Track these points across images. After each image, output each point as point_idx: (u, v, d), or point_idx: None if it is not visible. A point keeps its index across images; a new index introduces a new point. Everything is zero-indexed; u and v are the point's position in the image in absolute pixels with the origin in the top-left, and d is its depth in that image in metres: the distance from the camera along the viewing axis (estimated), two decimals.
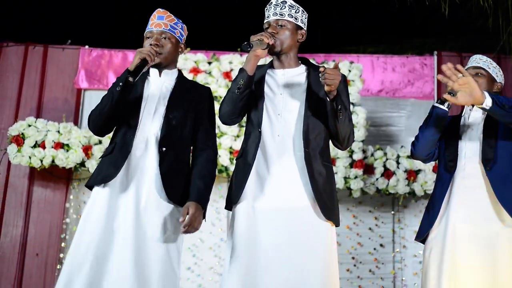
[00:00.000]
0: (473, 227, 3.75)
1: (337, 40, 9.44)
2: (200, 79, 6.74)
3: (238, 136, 6.56)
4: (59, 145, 6.52)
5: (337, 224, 3.62)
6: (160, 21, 3.86)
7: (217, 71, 6.81)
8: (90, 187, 3.75)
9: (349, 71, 6.79)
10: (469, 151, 3.90)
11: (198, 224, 3.63)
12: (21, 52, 7.27)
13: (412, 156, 4.12)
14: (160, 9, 3.91)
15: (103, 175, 3.69)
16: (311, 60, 6.69)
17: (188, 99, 3.89)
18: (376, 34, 9.82)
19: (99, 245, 3.54)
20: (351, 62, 6.91)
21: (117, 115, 3.73)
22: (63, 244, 6.79)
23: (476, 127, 3.95)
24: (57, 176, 6.87)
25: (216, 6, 10.18)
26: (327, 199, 3.58)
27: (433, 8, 6.19)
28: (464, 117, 4.05)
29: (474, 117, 4.00)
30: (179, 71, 4.00)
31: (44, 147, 6.55)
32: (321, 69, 3.41)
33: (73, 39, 7.40)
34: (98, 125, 3.79)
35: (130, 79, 3.57)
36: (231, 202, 3.63)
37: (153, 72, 3.89)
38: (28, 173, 6.89)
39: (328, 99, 3.50)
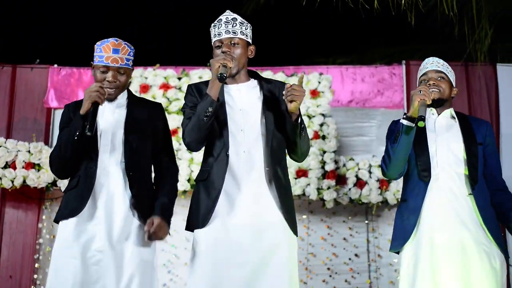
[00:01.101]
0: (448, 237, 3.76)
1: (306, 52, 9.50)
2: (171, 94, 6.74)
3: None
4: (30, 165, 6.48)
5: (297, 235, 3.65)
6: (116, 56, 3.76)
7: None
8: (58, 222, 3.76)
9: (319, 82, 6.82)
10: (440, 159, 3.87)
11: (163, 235, 3.70)
12: None
13: (384, 175, 4.02)
14: (114, 41, 3.79)
15: (70, 209, 3.69)
16: (280, 73, 6.77)
17: (143, 118, 3.87)
18: (344, 45, 9.90)
19: (76, 280, 3.57)
20: (321, 74, 6.94)
21: (79, 155, 3.71)
22: (36, 265, 6.73)
23: (444, 135, 3.92)
24: (29, 197, 6.81)
25: (185, 22, 10.21)
26: (292, 213, 3.63)
27: (400, 18, 6.24)
28: (428, 122, 3.97)
29: (441, 123, 3.97)
30: (127, 90, 3.97)
31: (14, 168, 6.50)
32: (287, 86, 3.42)
33: (42, 58, 7.36)
34: (63, 172, 3.84)
35: (88, 133, 3.49)
36: (196, 225, 3.58)
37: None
38: None
39: (288, 117, 3.51)
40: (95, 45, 3.83)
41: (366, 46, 9.83)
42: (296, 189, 6.38)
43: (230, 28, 3.63)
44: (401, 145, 3.78)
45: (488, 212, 3.83)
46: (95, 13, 9.99)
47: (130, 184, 3.71)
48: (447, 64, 4.04)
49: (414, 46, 8.86)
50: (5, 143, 6.58)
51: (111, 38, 3.81)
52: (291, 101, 3.40)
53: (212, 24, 3.70)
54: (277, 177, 3.58)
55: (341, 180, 6.55)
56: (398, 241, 3.94)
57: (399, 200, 4.13)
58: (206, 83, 3.65)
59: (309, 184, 6.46)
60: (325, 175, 6.51)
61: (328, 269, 6.80)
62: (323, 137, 6.61)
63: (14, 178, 6.47)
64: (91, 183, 3.67)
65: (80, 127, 3.54)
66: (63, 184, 6.39)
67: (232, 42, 3.63)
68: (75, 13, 9.93)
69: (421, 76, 4.03)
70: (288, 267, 3.49)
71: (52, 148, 3.90)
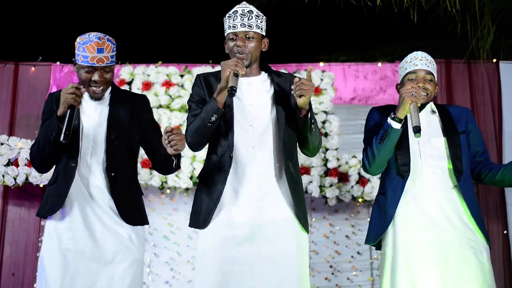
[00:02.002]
0: (427, 235, 3.75)
1: (308, 49, 9.49)
2: (173, 92, 6.73)
3: None
4: None
5: (307, 232, 3.64)
6: (101, 56, 3.69)
7: (189, 84, 6.78)
8: (40, 217, 3.77)
9: (321, 80, 6.82)
10: (424, 154, 3.87)
11: (181, 145, 3.38)
12: None
13: (366, 171, 4.01)
14: (98, 40, 3.71)
15: (49, 206, 3.69)
16: (283, 70, 6.75)
17: (127, 114, 3.82)
18: (347, 43, 9.89)
19: (65, 280, 3.60)
20: (323, 71, 6.94)
21: (57, 152, 3.70)
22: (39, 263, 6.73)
23: (426, 130, 3.87)
24: (31, 194, 6.81)
25: (187, 19, 10.20)
26: (303, 209, 3.60)
27: (403, 15, 6.24)
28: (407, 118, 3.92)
29: (422, 118, 3.91)
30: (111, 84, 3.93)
31: (17, 165, 6.49)
32: (296, 79, 3.36)
33: (44, 55, 7.35)
34: (42, 167, 3.81)
35: (63, 141, 3.41)
36: (198, 225, 3.58)
37: (87, 94, 3.81)
38: (1, 192, 6.82)
39: (298, 112, 3.46)
40: (76, 42, 3.75)
41: (368, 44, 9.84)
42: None
43: (245, 21, 3.56)
44: (387, 146, 3.80)
45: (474, 203, 3.85)
46: (97, 10, 10.00)
47: (110, 185, 3.68)
48: (433, 60, 4.02)
49: (416, 44, 8.84)
50: (7, 140, 6.57)
51: (92, 35, 3.74)
52: (300, 96, 3.35)
53: (227, 15, 3.64)
54: (289, 173, 3.54)
55: (343, 177, 6.55)
56: (373, 234, 3.95)
57: (378, 193, 4.11)
58: (215, 74, 3.62)
59: (311, 182, 6.46)
60: (327, 172, 6.51)
61: (331, 266, 6.80)
62: (326, 135, 6.61)
63: (17, 176, 6.46)
64: (70, 180, 3.65)
65: (56, 130, 3.50)
66: None
67: (247, 36, 3.57)
68: (77, 11, 9.94)
69: (409, 73, 3.97)
70: (297, 265, 3.47)
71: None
